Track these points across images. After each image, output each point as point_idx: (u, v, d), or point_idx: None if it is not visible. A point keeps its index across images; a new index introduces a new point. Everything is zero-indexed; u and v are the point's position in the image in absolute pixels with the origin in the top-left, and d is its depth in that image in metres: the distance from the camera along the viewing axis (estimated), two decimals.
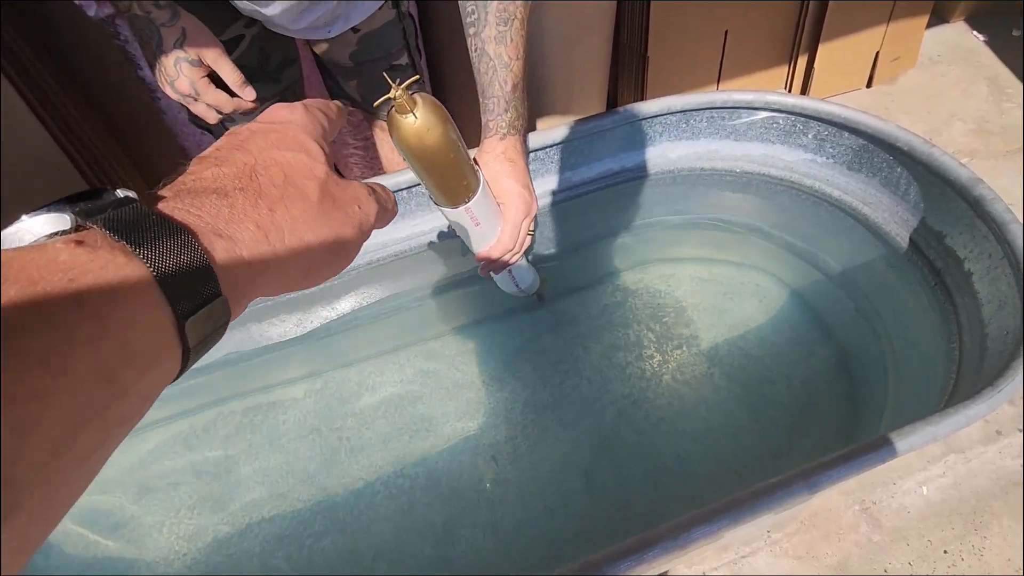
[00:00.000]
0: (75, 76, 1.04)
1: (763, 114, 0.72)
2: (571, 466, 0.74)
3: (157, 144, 1.15)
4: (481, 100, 0.55)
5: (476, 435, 0.78)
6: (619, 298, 0.85)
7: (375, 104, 0.42)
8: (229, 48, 0.59)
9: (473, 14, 0.52)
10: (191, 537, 0.72)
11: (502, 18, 0.51)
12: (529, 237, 0.58)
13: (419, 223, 0.74)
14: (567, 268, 0.86)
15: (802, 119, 0.71)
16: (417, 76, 0.41)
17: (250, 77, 0.60)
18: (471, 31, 0.52)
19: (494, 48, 0.52)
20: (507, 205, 0.54)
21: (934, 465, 0.86)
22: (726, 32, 1.28)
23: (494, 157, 0.54)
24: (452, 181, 0.47)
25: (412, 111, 0.40)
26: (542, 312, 0.86)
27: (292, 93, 0.78)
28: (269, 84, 0.73)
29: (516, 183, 0.54)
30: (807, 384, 0.77)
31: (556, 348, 0.83)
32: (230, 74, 0.57)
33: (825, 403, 0.76)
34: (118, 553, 0.71)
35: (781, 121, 0.72)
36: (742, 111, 0.72)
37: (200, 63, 0.55)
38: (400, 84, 0.39)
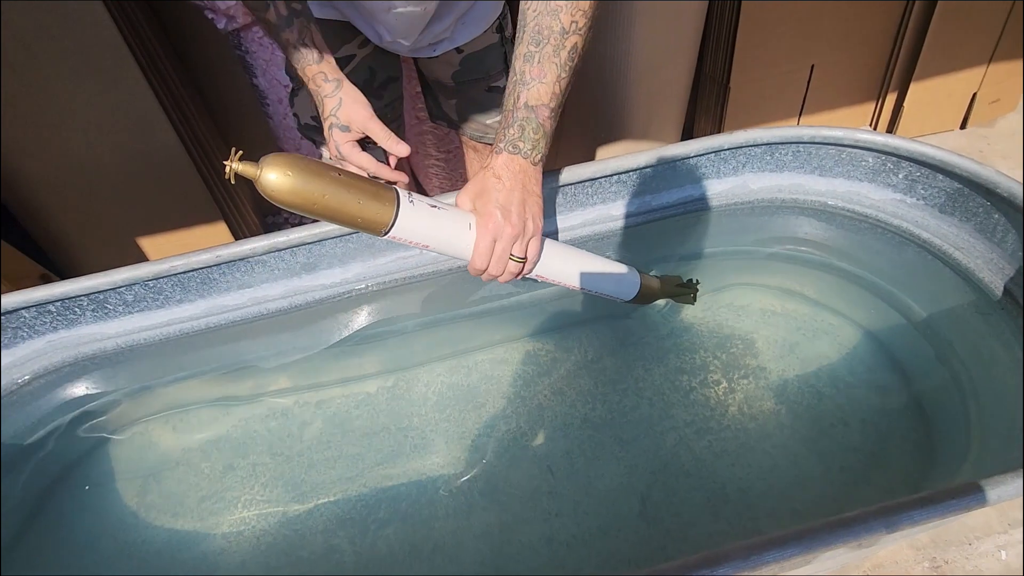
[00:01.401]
0: (195, 79, 1.16)
1: (852, 151, 0.72)
2: (627, 487, 0.75)
3: (259, 145, 1.25)
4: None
5: (534, 445, 0.80)
6: (687, 322, 0.86)
7: (226, 173, 0.45)
8: (341, 65, 0.64)
9: (518, 33, 0.54)
10: (262, 511, 0.77)
11: (535, 39, 0.52)
12: (514, 263, 0.55)
13: None
14: (607, 304, 0.87)
15: (893, 158, 0.70)
16: (240, 152, 0.45)
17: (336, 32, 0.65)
18: (514, 47, 0.54)
19: (520, 64, 0.52)
20: (477, 224, 0.53)
21: (1016, 529, 0.81)
22: (812, 66, 1.27)
23: (483, 172, 0.53)
24: (345, 218, 0.48)
25: (256, 175, 0.44)
26: (606, 330, 0.88)
27: (392, 108, 0.84)
28: (372, 100, 0.79)
29: (490, 203, 0.52)
30: (879, 430, 0.74)
31: (618, 367, 0.84)
32: (379, 133, 0.59)
33: (897, 452, 0.73)
34: (200, 522, 0.77)
35: (871, 160, 0.71)
36: (830, 147, 0.72)
37: (349, 129, 0.59)
38: (233, 156, 0.44)
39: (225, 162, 0.44)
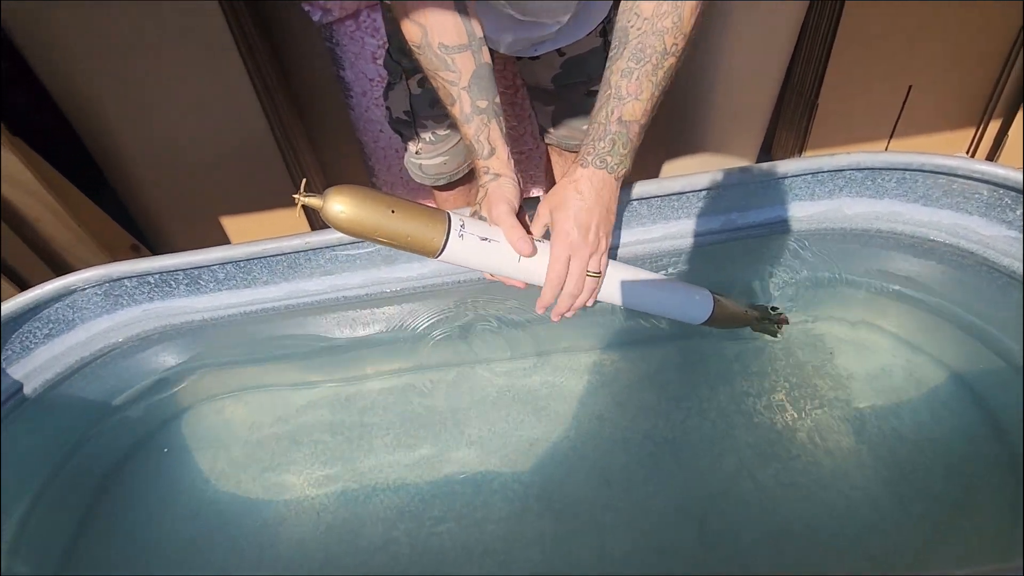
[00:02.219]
0: (285, 68, 1.20)
1: (964, 182, 0.67)
2: (685, 509, 0.73)
3: (339, 134, 1.29)
4: (587, 126, 0.55)
5: (593, 455, 0.79)
6: (758, 345, 0.83)
7: (299, 205, 0.48)
8: None
9: (615, 47, 0.53)
10: (323, 487, 0.79)
11: (636, 56, 0.52)
12: (591, 279, 0.56)
13: None
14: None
15: (1012, 193, 0.65)
16: (305, 180, 0.48)
17: None
18: (608, 60, 0.54)
19: (616, 79, 0.52)
20: (552, 242, 0.54)
21: None
22: (910, 87, 1.20)
23: (565, 183, 0.54)
24: (401, 242, 0.51)
25: (320, 206, 0.48)
26: (672, 346, 0.85)
27: None
28: None
29: (568, 219, 0.53)
30: (967, 481, 0.70)
31: (682, 383, 0.82)
32: (510, 232, 0.57)
33: (986, 507, 0.68)
34: (264, 490, 0.80)
35: (985, 192, 0.67)
36: (940, 176, 0.68)
37: (487, 220, 0.59)
38: (300, 190, 0.47)
39: (294, 196, 0.47)
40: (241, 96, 1.03)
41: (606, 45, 0.79)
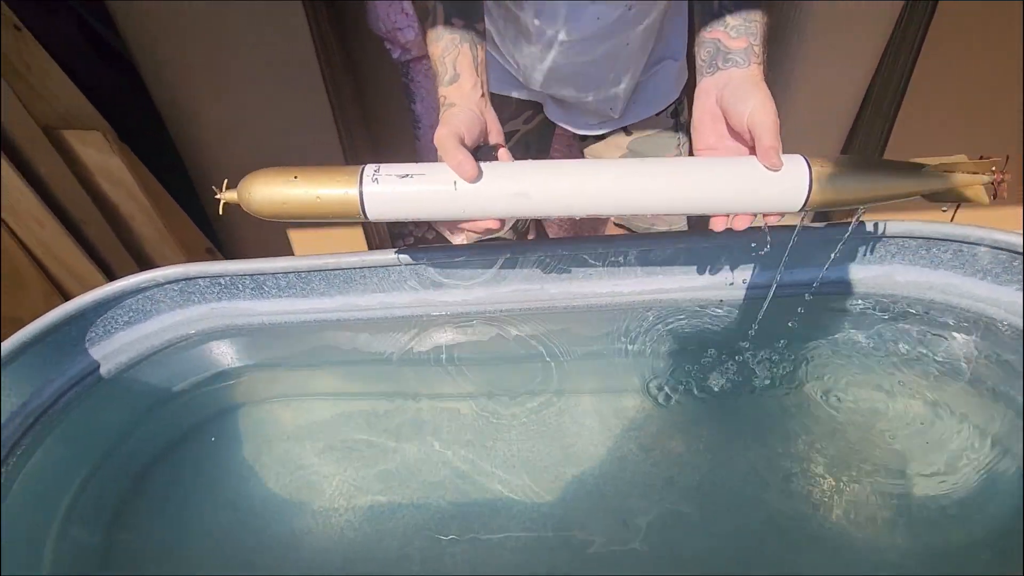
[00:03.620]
0: (362, 94, 1.30)
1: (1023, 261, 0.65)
2: (704, 561, 0.72)
3: (404, 161, 1.37)
4: (725, 22, 0.52)
5: (613, 496, 0.79)
6: (795, 404, 0.81)
7: (219, 209, 0.49)
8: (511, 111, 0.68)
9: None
10: (351, 497, 0.82)
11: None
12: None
13: (628, 283, 0.78)
14: (749, 363, 0.84)
15: None
16: (225, 180, 0.49)
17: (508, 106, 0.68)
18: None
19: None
20: (765, 110, 0.49)
21: None
22: (1007, 157, 1.16)
23: (755, 87, 0.50)
24: (317, 208, 0.49)
25: (235, 197, 0.49)
26: (709, 398, 0.85)
27: None
28: None
29: (769, 103, 0.49)
30: (1016, 566, 0.65)
31: (713, 436, 0.81)
32: (450, 155, 0.52)
33: None
34: (296, 490, 0.84)
35: None
36: (1001, 251, 0.66)
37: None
38: (220, 190, 0.49)
39: (216, 196, 0.50)
40: (317, 110, 1.12)
41: (678, 127, 0.80)
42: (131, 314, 0.80)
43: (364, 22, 1.17)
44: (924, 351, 0.76)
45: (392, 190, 0.49)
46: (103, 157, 0.96)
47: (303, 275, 0.77)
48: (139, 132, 1.21)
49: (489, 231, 0.52)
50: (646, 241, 0.73)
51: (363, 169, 0.49)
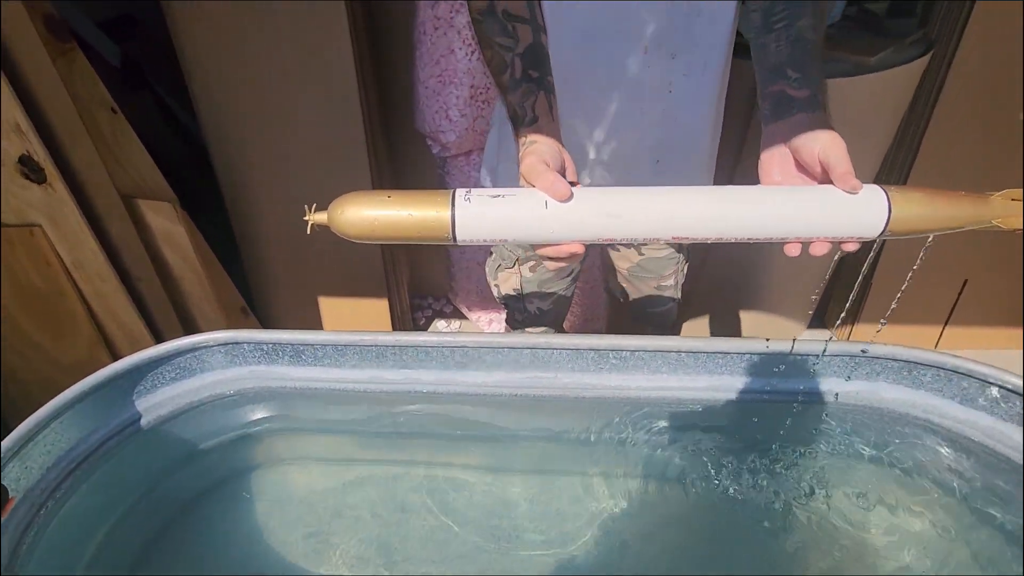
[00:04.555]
0: (399, 182, 1.43)
1: (996, 389, 0.72)
2: None
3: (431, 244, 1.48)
4: (787, 76, 0.57)
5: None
6: (796, 517, 0.85)
7: (308, 230, 0.52)
8: None
9: (782, 12, 0.59)
10: (353, 567, 0.85)
11: (814, 7, 0.59)
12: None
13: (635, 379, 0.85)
14: (731, 470, 0.88)
15: None
16: (314, 204, 0.51)
17: None
18: (780, 25, 0.59)
19: (812, 33, 0.58)
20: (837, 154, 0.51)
21: None
22: (965, 280, 1.26)
23: (824, 126, 0.54)
24: (408, 226, 0.49)
25: (327, 218, 0.51)
26: (701, 492, 0.89)
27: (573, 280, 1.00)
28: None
29: (840, 142, 0.52)
30: None
31: (711, 533, 0.85)
32: (541, 178, 0.53)
33: None
34: (303, 556, 0.87)
35: (1019, 404, 0.71)
36: (974, 380, 0.73)
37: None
38: (309, 212, 0.51)
39: (304, 218, 0.51)
40: (353, 145, 1.24)
41: (679, 247, 0.93)
42: (178, 371, 0.86)
43: (411, 120, 1.31)
44: (909, 463, 0.81)
45: (484, 210, 0.49)
46: (169, 225, 1.07)
47: (340, 348, 0.85)
48: (197, 197, 1.33)
49: (574, 256, 0.52)
50: (653, 343, 0.80)
51: (454, 191, 0.50)
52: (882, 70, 1.04)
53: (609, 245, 0.97)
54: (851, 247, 0.53)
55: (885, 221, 0.50)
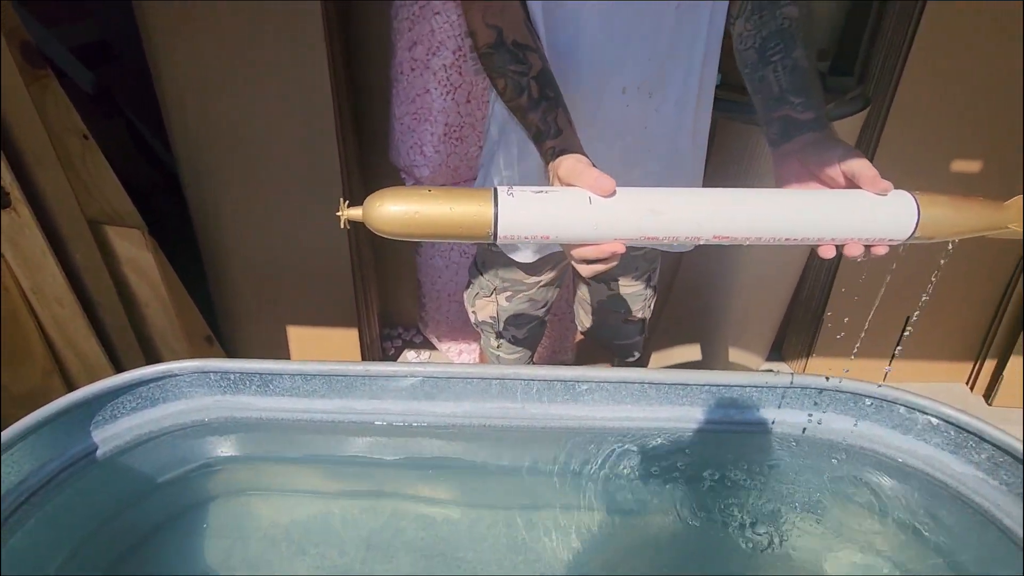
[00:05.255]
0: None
1: (934, 419, 0.77)
2: None
3: (403, 272, 1.48)
4: (790, 102, 0.61)
5: None
6: (740, 543, 0.87)
7: (342, 225, 0.50)
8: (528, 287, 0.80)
9: (776, 46, 0.64)
10: None
11: (804, 38, 0.64)
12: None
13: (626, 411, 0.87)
14: (692, 500, 0.91)
15: (975, 437, 0.75)
16: (347, 201, 0.49)
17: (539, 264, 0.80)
18: (776, 56, 0.64)
19: (806, 62, 0.62)
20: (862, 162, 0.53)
21: None
22: (907, 317, 1.34)
23: (837, 142, 0.57)
24: (448, 222, 0.48)
25: (362, 213, 0.49)
26: (664, 521, 0.91)
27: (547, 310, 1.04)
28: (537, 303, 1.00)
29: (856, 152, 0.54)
30: None
31: (660, 568, 0.86)
32: (585, 173, 0.53)
33: None
34: None
35: (952, 432, 0.76)
36: (915, 411, 0.78)
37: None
38: (342, 208, 0.48)
39: (337, 214, 0.49)
40: (335, 235, 1.26)
41: (647, 286, 0.98)
42: (139, 400, 0.85)
43: (386, 154, 1.35)
44: (855, 490, 0.85)
45: (528, 206, 0.48)
46: (136, 252, 1.06)
47: (309, 377, 0.85)
48: (166, 223, 1.32)
49: (614, 256, 0.52)
50: (618, 375, 0.83)
51: (495, 187, 0.49)
52: None
53: (581, 280, 1.01)
54: (881, 251, 0.54)
55: (915, 222, 0.51)
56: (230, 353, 1.43)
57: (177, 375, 0.84)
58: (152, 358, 1.18)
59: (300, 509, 0.95)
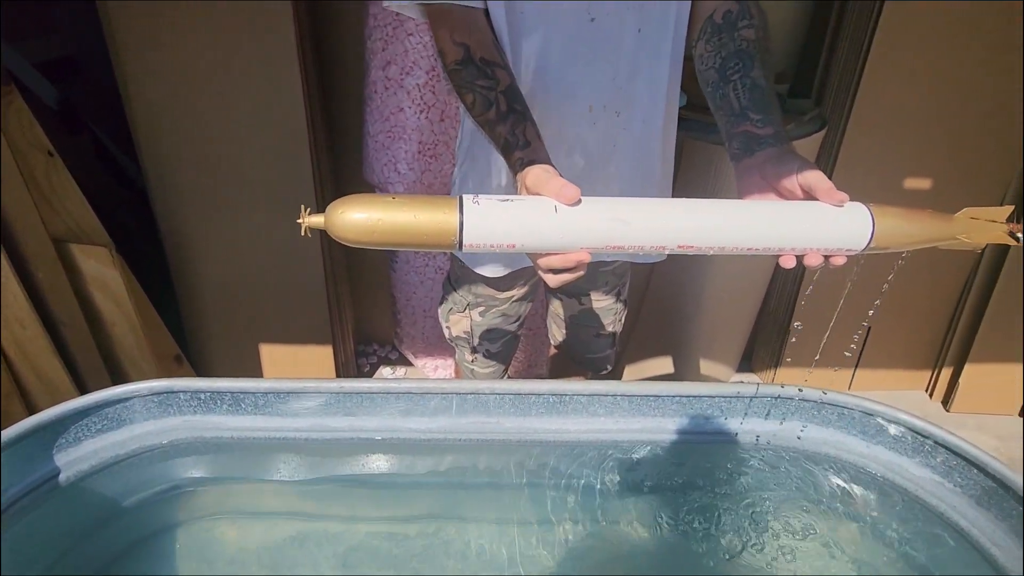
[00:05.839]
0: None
1: (892, 426, 0.81)
2: None
3: (377, 289, 1.48)
4: (750, 118, 0.63)
5: None
6: (715, 550, 0.89)
7: (303, 232, 0.49)
8: (500, 303, 0.81)
9: (736, 66, 0.66)
10: None
11: (762, 58, 0.66)
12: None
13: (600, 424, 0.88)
14: (667, 510, 0.92)
15: (930, 442, 0.78)
16: (308, 208, 0.48)
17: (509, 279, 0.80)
18: (736, 76, 0.65)
19: (764, 81, 0.65)
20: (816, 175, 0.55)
21: None
22: (868, 328, 1.40)
23: (795, 156, 0.59)
24: (412, 231, 0.47)
25: (323, 221, 0.47)
26: (632, 532, 0.92)
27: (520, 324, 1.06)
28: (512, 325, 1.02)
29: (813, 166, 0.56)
30: None
31: (638, 565, 0.87)
32: (550, 183, 0.54)
33: None
34: None
35: (910, 438, 0.80)
36: (874, 417, 0.81)
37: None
38: (302, 215, 0.47)
39: (298, 220, 0.48)
40: (309, 252, 1.25)
41: (617, 300, 1.01)
42: (105, 422, 0.82)
43: (360, 170, 1.35)
44: (821, 497, 0.88)
45: (494, 214, 0.48)
46: (103, 270, 1.04)
47: (282, 395, 0.84)
48: (134, 241, 1.30)
49: (580, 265, 0.52)
50: (591, 387, 0.85)
51: (461, 195, 0.49)
52: None
53: (552, 293, 1.03)
54: (839, 261, 0.56)
55: (870, 232, 0.53)
56: (201, 372, 1.40)
57: (144, 395, 0.82)
58: (119, 379, 1.16)
59: (271, 531, 0.93)
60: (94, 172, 1.50)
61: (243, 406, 0.86)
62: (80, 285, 1.03)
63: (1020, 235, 0.56)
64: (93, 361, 1.09)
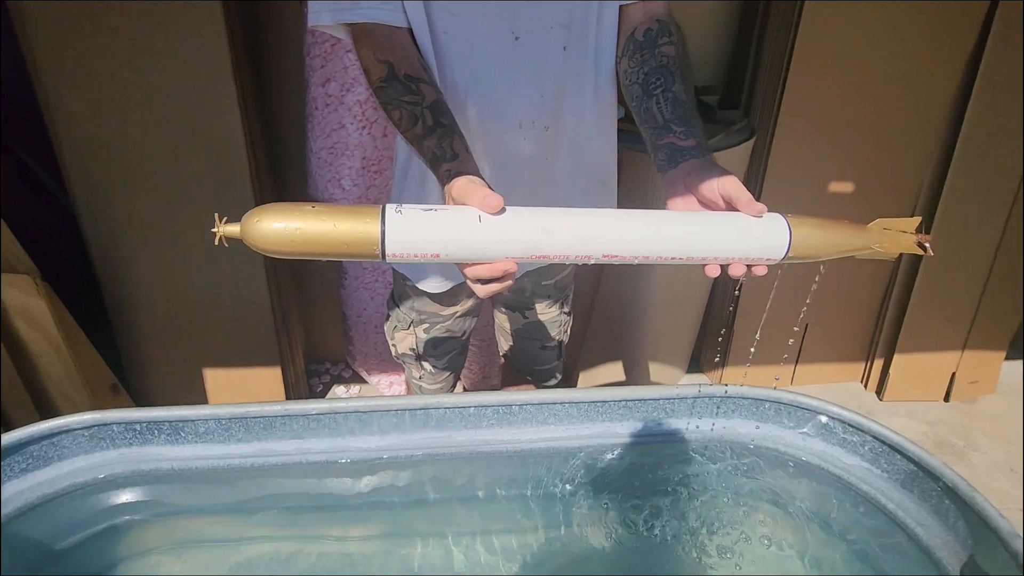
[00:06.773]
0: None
1: (823, 418, 0.85)
2: None
3: (327, 306, 1.46)
4: (673, 131, 0.65)
5: None
6: (669, 549, 0.91)
7: (216, 242, 0.48)
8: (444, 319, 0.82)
9: (658, 81, 0.68)
10: None
11: (682, 74, 0.69)
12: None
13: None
14: (619, 512, 0.94)
15: (857, 431, 0.83)
16: (225, 218, 0.47)
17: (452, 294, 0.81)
18: (658, 90, 0.68)
19: (685, 95, 0.67)
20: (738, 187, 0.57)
21: None
22: (807, 325, 1.47)
23: (715, 167, 0.61)
24: (333, 240, 0.46)
25: (239, 230, 0.47)
26: (587, 545, 0.93)
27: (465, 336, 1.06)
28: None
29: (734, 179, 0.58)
30: None
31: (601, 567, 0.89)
32: (475, 192, 0.54)
33: None
34: None
35: (840, 429, 0.84)
36: (806, 410, 0.85)
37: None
38: (219, 222, 0.47)
39: (212, 230, 0.47)
40: (253, 271, 1.22)
41: (561, 312, 1.03)
42: (29, 461, 0.78)
43: (304, 187, 1.33)
44: (762, 492, 0.92)
45: (417, 224, 0.47)
46: (27, 299, 0.98)
47: (224, 422, 0.82)
48: (63, 266, 1.23)
49: (507, 275, 0.52)
50: (538, 397, 0.86)
51: (384, 205, 0.48)
52: (716, 152, 1.25)
53: (496, 307, 1.04)
54: (760, 271, 0.58)
55: (788, 242, 0.55)
56: (143, 401, 1.34)
57: (73, 429, 0.78)
58: (48, 412, 1.09)
59: (220, 561, 0.90)
60: (19, 196, 1.42)
61: (182, 435, 0.83)
62: (2, 315, 0.98)
63: (928, 245, 0.59)
64: (18, 396, 1.03)
